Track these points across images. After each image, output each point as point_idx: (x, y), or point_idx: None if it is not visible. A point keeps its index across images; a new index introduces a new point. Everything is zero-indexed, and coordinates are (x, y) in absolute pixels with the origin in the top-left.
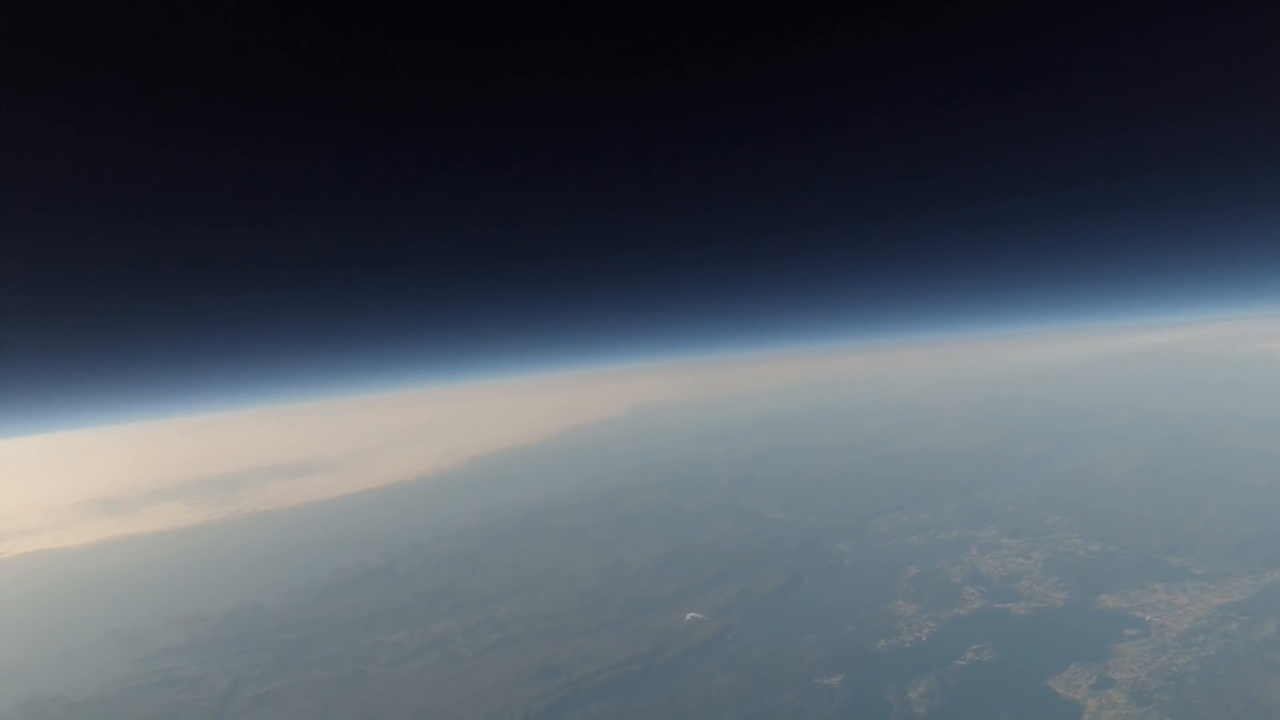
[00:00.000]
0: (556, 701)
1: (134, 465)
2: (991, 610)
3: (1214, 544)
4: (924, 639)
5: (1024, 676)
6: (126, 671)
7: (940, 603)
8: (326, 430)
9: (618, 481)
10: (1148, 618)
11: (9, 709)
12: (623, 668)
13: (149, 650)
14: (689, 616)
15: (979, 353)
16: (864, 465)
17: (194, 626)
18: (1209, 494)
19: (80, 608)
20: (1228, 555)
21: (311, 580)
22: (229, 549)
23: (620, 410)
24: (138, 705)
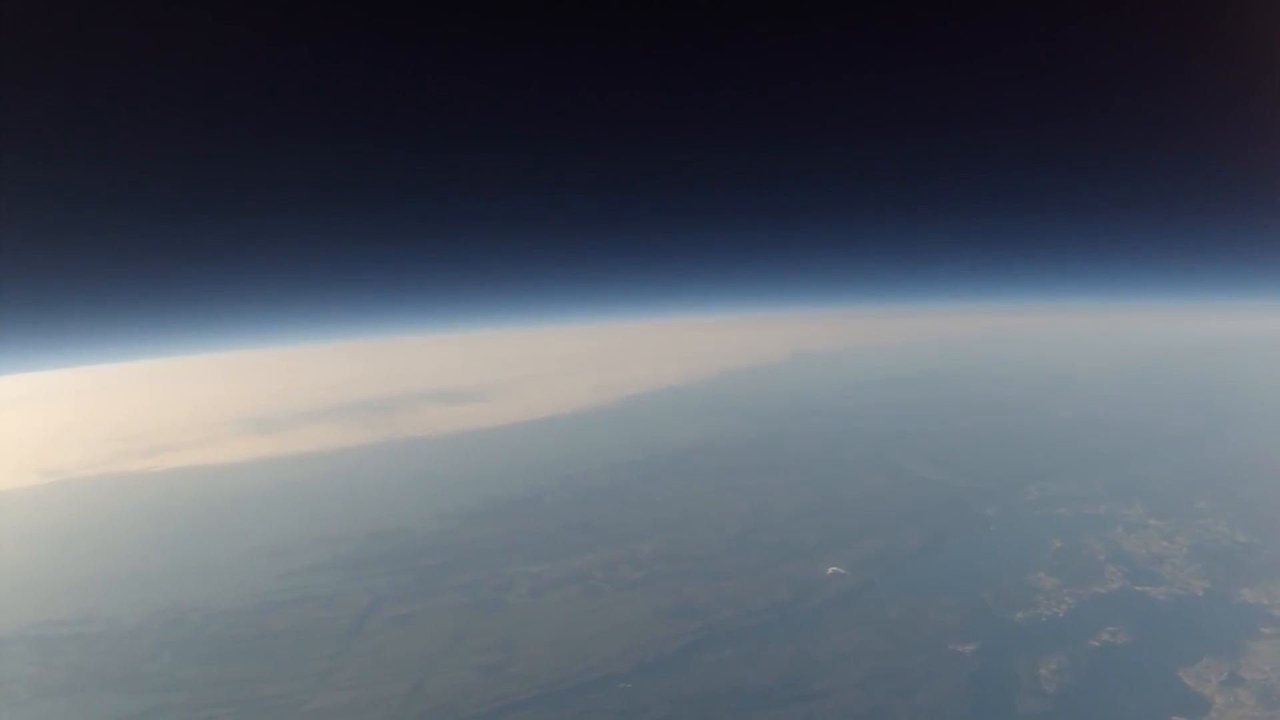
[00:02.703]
0: (692, 643)
1: (289, 386)
2: (1131, 592)
3: None
4: (1061, 615)
5: (1156, 664)
6: (268, 586)
7: (1081, 579)
8: (485, 360)
9: (771, 426)
10: None
11: (150, 616)
12: (760, 615)
13: (292, 566)
14: (830, 570)
15: (1142, 321)
16: (1018, 429)
17: (338, 546)
18: None
19: (227, 522)
20: None
21: (459, 506)
22: (379, 471)
23: (778, 355)
24: (276, 618)
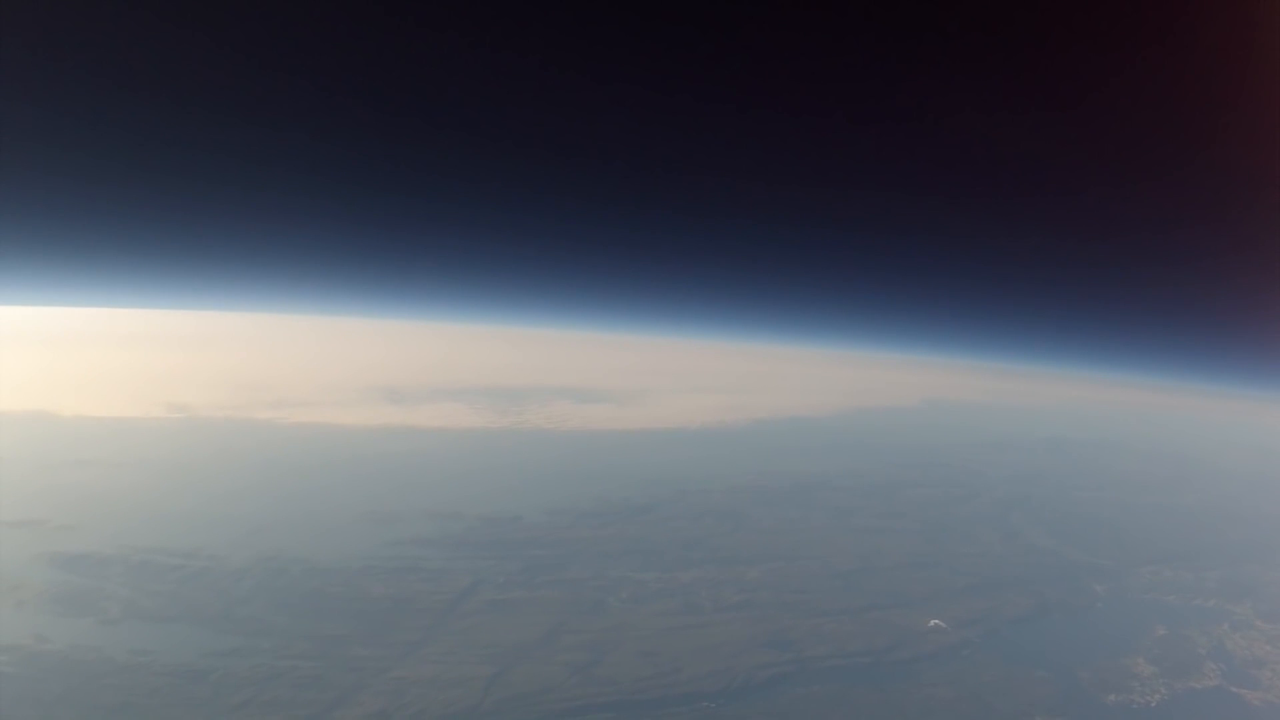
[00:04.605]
0: (780, 674)
1: (428, 362)
2: (1226, 692)
3: None
4: (1153, 704)
5: None
6: (373, 551)
7: (1178, 671)
8: (624, 364)
9: (894, 471)
10: None
11: (253, 560)
12: (853, 657)
13: (400, 536)
14: (931, 623)
15: None
16: (1141, 509)
17: (449, 523)
18: None
19: (343, 483)
20: None
21: (574, 503)
22: (500, 457)
23: (911, 400)
24: (376, 583)
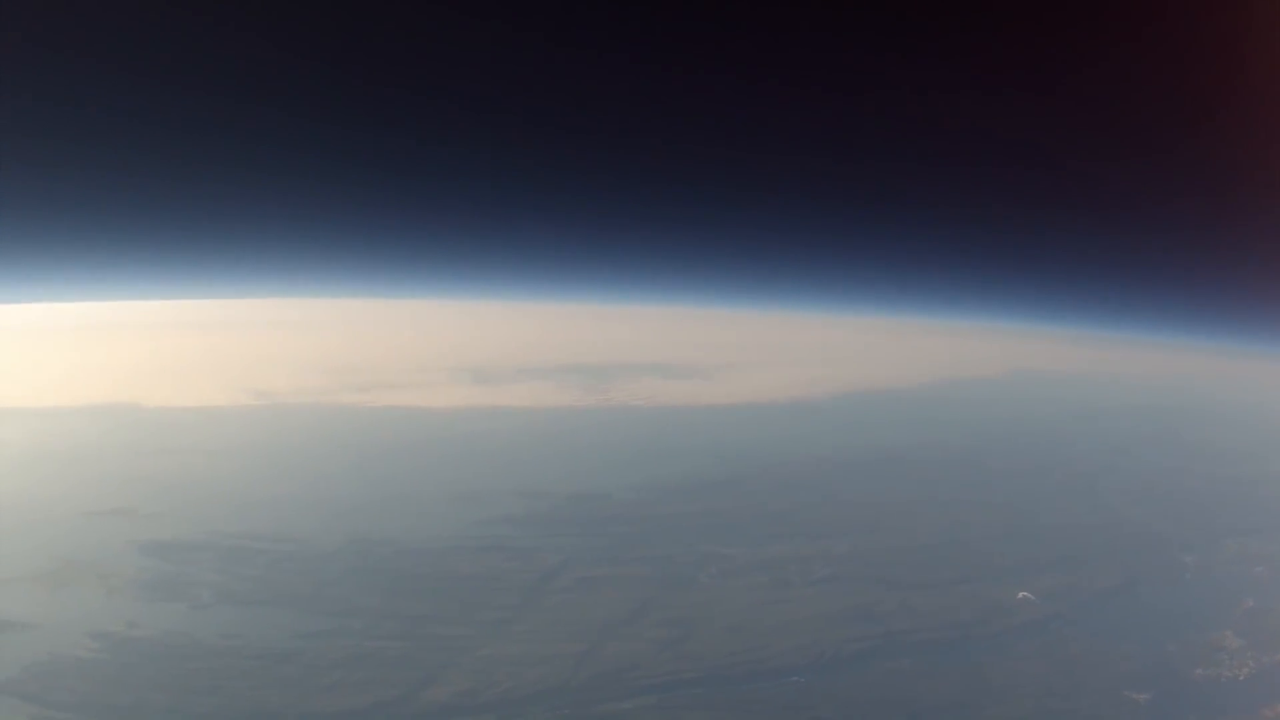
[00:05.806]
0: (867, 649)
1: (514, 342)
2: None
3: None
4: (1240, 678)
5: None
6: (460, 531)
7: (1267, 644)
8: (711, 339)
9: (981, 442)
10: None
11: (340, 543)
12: (941, 630)
13: (486, 516)
14: (1019, 595)
15: None
16: (1234, 478)
17: (536, 502)
18: None
19: (430, 464)
20: None
21: (662, 479)
22: (588, 434)
23: (999, 370)
24: (463, 562)
